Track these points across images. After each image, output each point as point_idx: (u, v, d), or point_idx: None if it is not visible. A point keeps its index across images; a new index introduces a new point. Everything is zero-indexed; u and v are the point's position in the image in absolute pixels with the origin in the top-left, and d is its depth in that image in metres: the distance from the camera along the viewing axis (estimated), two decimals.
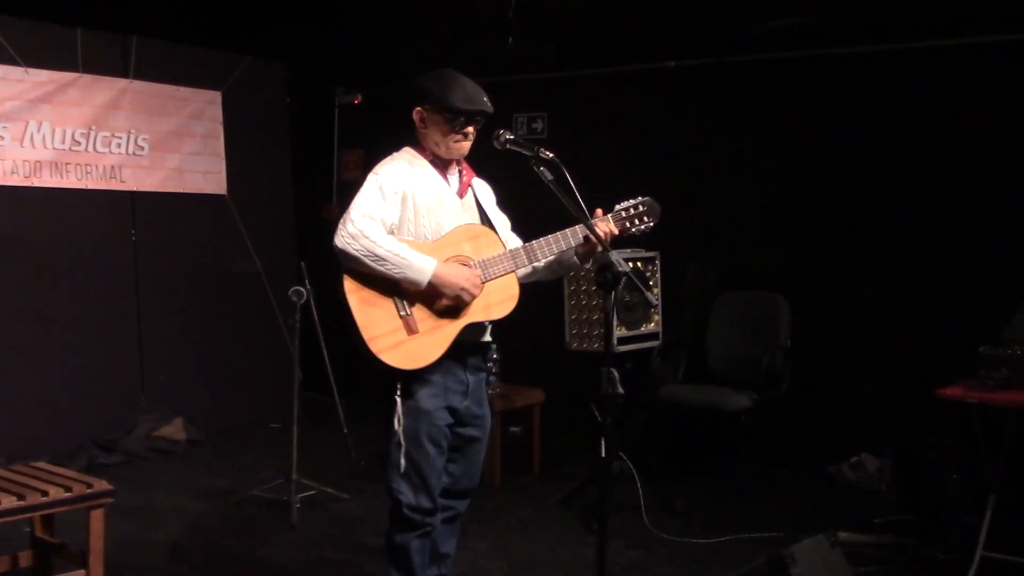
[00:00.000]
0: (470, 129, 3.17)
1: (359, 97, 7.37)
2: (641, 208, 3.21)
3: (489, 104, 3.16)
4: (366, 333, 3.02)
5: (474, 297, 3.10)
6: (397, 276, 3.02)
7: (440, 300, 3.08)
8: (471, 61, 3.59)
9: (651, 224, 3.23)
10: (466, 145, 3.20)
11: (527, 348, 5.72)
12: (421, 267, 3.02)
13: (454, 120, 3.13)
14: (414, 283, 3.03)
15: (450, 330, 3.10)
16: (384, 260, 2.99)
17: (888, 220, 5.56)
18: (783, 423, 5.67)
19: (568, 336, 5.30)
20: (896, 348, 5.49)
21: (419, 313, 3.09)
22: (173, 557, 4.45)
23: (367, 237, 2.99)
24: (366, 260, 3.00)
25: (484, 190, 3.39)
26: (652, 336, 5.36)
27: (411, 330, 3.06)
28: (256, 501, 5.12)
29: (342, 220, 3.04)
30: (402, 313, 3.07)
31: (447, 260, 3.11)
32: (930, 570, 4.30)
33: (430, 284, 3.03)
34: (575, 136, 6.41)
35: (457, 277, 3.06)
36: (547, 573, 4.30)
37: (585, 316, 5.24)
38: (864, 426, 5.55)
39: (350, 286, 3.06)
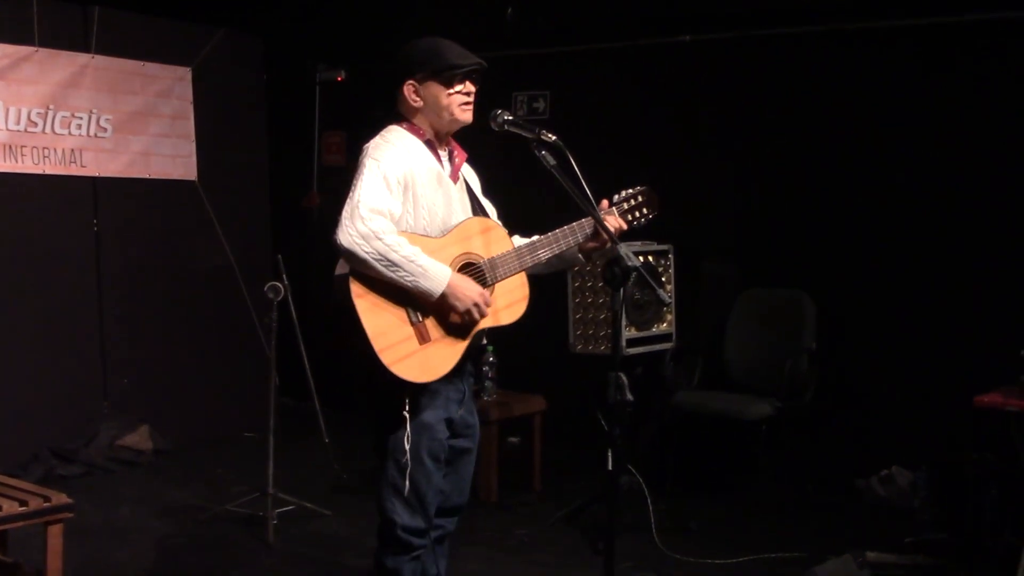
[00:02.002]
0: (471, 87, 3.19)
1: (342, 74, 7.37)
2: (641, 199, 3.26)
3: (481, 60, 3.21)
4: (377, 343, 2.98)
5: (484, 316, 3.11)
6: (408, 284, 2.99)
7: (450, 312, 3.08)
8: (465, 33, 3.60)
9: (650, 216, 3.30)
10: (470, 110, 3.22)
11: (527, 351, 5.73)
12: (436, 276, 3.00)
13: (452, 78, 3.15)
14: (426, 292, 3.01)
15: (463, 337, 3.13)
16: (397, 266, 2.96)
17: (924, 212, 5.56)
18: (807, 433, 5.69)
19: (572, 337, 5.32)
20: (931, 351, 5.50)
21: (430, 320, 3.08)
22: None
23: (380, 239, 2.94)
24: (376, 264, 2.95)
25: (471, 175, 3.42)
26: (665, 337, 5.39)
27: (424, 339, 3.05)
28: (229, 517, 5.13)
29: (347, 213, 2.98)
30: (414, 320, 3.05)
31: (457, 257, 3.13)
32: None
33: (442, 295, 3.03)
34: (580, 117, 6.42)
35: (471, 292, 3.06)
36: None
37: (591, 316, 5.26)
38: (896, 437, 5.56)
39: (358, 289, 2.99)
